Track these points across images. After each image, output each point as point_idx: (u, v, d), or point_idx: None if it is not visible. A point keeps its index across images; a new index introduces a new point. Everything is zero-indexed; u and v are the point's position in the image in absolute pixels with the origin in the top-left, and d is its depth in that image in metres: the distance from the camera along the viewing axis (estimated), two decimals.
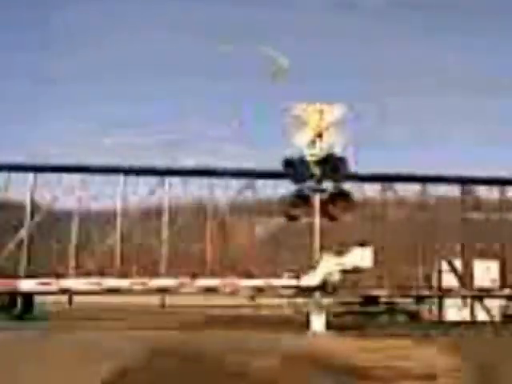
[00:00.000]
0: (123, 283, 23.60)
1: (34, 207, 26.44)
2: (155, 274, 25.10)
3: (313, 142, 22.51)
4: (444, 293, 26.74)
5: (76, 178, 26.73)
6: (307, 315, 21.55)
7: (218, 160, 34.77)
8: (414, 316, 27.05)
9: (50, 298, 26.44)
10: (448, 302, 26.86)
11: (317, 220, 22.54)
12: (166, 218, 26.54)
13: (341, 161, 22.42)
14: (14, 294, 23.33)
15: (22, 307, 23.99)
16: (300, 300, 24.50)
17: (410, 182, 28.26)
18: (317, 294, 21.57)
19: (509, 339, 19.92)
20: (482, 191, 28.58)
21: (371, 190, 28.06)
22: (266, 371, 10.25)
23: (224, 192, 27.52)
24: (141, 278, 23.69)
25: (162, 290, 24.06)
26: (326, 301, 21.96)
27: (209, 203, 27.20)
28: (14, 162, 26.43)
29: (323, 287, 21.70)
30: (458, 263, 27.26)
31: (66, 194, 26.90)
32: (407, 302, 27.51)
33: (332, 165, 22.28)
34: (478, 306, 26.67)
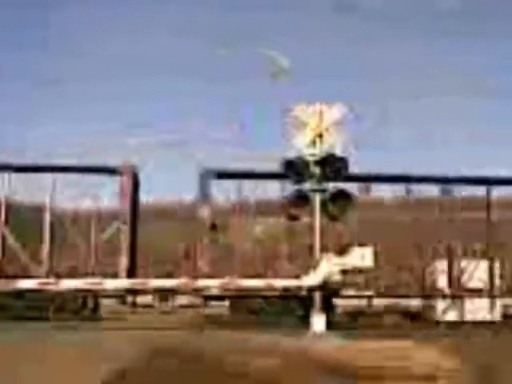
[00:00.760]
0: (123, 283, 23.66)
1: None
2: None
3: (313, 143, 22.54)
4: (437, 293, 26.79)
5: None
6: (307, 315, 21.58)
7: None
8: (414, 316, 27.04)
9: None
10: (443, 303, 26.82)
11: (317, 220, 22.54)
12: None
13: (341, 161, 22.45)
14: (85, 298, 24.58)
15: (91, 309, 25.09)
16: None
17: (398, 183, 28.61)
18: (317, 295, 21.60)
19: (509, 339, 19.91)
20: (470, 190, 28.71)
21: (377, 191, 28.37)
22: (266, 371, 10.23)
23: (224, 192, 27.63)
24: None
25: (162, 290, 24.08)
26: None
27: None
28: None
29: (323, 287, 21.74)
30: (444, 264, 27.30)
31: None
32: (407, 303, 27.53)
33: (332, 165, 22.30)
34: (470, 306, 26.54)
